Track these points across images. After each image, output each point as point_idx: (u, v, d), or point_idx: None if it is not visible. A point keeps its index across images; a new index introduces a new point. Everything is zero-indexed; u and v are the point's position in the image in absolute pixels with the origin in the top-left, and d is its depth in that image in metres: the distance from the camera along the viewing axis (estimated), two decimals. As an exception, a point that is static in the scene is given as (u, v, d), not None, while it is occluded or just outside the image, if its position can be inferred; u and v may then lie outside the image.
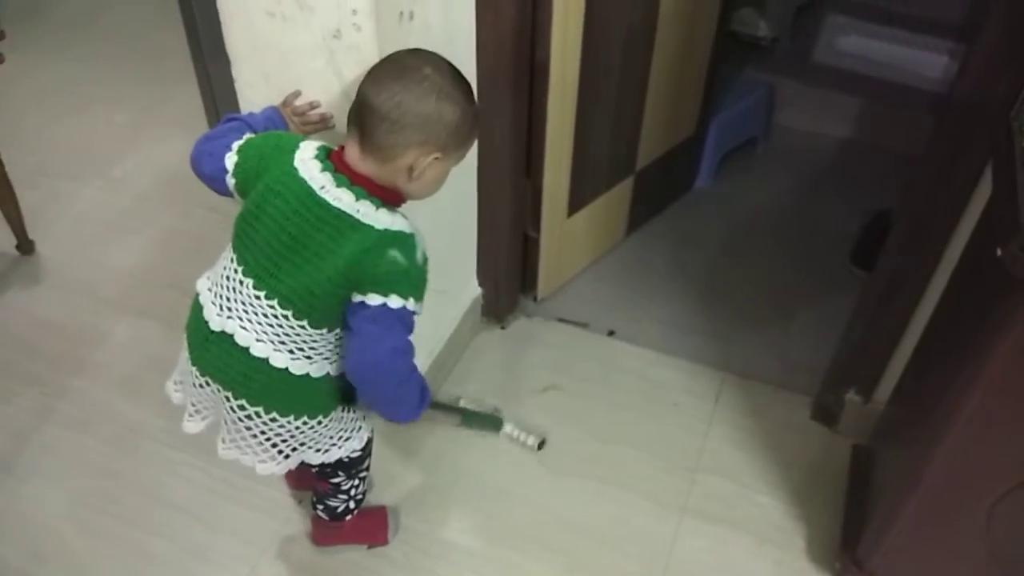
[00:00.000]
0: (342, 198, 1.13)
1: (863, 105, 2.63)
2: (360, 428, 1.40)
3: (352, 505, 1.53)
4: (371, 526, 1.60)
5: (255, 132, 1.28)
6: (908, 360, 1.60)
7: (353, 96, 1.34)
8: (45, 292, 2.18)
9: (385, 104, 1.09)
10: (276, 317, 1.17)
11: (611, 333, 2.05)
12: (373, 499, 1.66)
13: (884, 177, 2.51)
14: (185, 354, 1.29)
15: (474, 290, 1.97)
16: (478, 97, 1.65)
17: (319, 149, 1.17)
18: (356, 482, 1.50)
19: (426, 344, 1.81)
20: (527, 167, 1.85)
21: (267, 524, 1.65)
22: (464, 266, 1.92)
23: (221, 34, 1.41)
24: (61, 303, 2.14)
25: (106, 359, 2.00)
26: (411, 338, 1.21)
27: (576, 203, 2.02)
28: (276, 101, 1.38)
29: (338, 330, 1.22)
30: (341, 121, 1.39)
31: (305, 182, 1.14)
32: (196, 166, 1.26)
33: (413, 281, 1.17)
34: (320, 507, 1.53)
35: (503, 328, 2.05)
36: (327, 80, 1.35)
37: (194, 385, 1.28)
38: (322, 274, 1.14)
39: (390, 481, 1.71)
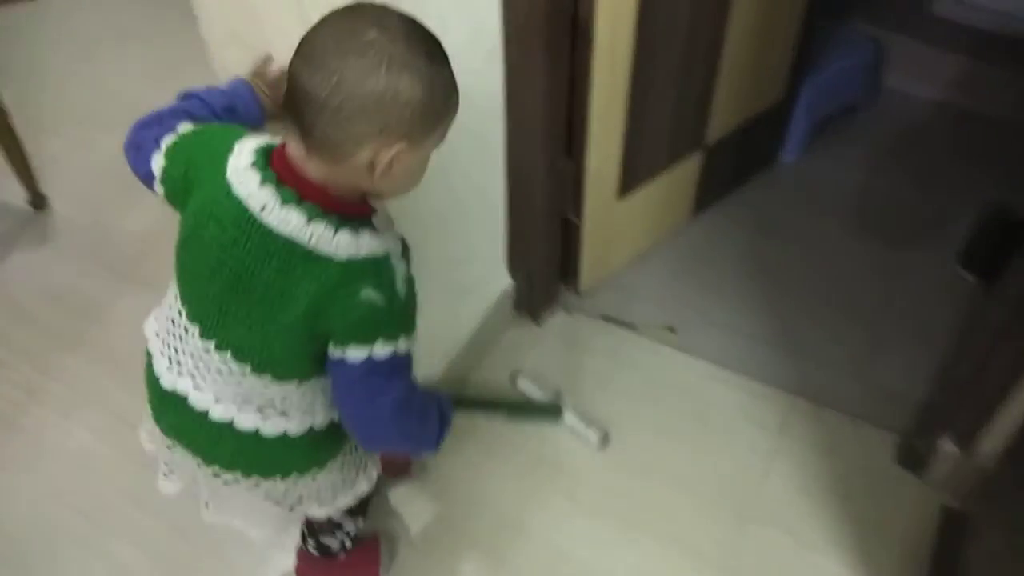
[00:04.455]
0: (290, 220, 0.86)
1: (992, 70, 2.19)
2: (367, 466, 1.17)
3: (348, 544, 1.32)
4: (362, 561, 1.39)
5: (214, 112, 1.03)
6: (1028, 416, 1.27)
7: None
8: (51, 255, 2.03)
9: (321, 87, 0.80)
10: (232, 373, 0.94)
11: (671, 329, 1.76)
12: (370, 524, 1.45)
13: (1011, 161, 2.09)
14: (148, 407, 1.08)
15: (504, 281, 1.71)
16: (505, 64, 1.38)
17: (257, 152, 0.89)
18: (359, 519, 1.29)
19: (440, 344, 1.57)
20: (568, 144, 1.56)
21: (249, 550, 1.46)
22: (491, 255, 1.65)
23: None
24: (66, 269, 1.98)
25: (104, 337, 1.84)
26: (412, 375, 0.97)
27: (628, 183, 1.72)
28: (249, 63, 1.14)
29: (313, 379, 0.98)
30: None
31: (241, 202, 0.87)
32: (127, 158, 1.01)
33: (399, 318, 0.92)
34: (311, 542, 1.32)
35: (538, 325, 1.78)
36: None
37: (165, 445, 1.08)
38: (277, 323, 0.90)
39: (393, 506, 1.50)
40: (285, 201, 0.86)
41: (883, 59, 2.25)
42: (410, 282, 0.94)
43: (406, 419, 0.98)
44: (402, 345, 0.92)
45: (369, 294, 0.88)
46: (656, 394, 1.65)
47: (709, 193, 1.98)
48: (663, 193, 1.84)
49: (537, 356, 1.73)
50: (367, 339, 0.89)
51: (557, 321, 1.79)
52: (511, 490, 1.52)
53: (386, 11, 0.83)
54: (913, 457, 1.51)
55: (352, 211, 0.89)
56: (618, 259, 1.87)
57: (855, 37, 2.18)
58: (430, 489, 1.53)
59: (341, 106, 0.80)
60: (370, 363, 0.90)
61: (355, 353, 0.90)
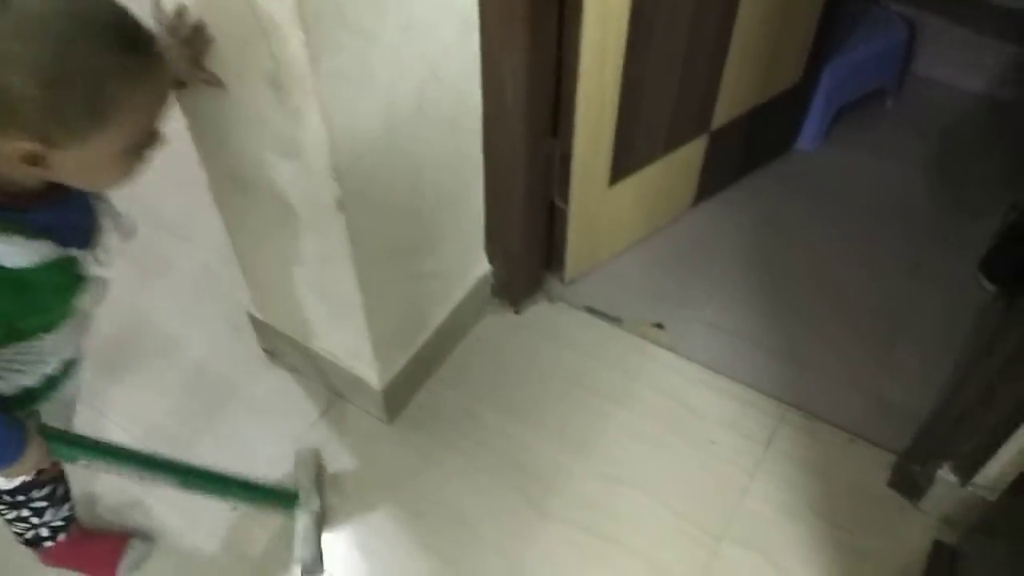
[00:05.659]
0: None
1: (1035, 57, 2.04)
2: None
3: (44, 532, 1.22)
4: (96, 557, 1.32)
5: None
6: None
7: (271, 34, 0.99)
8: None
9: None
10: None
11: (659, 326, 1.66)
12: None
13: (1048, 157, 1.94)
14: None
15: (482, 267, 1.61)
16: (482, 36, 1.26)
17: None
18: (27, 513, 1.18)
19: (409, 329, 1.48)
20: (553, 125, 1.44)
21: None
22: (468, 241, 1.54)
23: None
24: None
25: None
26: None
27: (622, 168, 1.60)
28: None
29: None
30: (251, 64, 1.04)
31: None
32: None
33: None
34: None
35: (517, 313, 1.68)
36: (237, 6, 0.98)
37: None
38: None
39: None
40: None
41: (915, 42, 2.09)
42: None
43: None
44: None
45: None
46: (636, 394, 1.55)
47: (713, 181, 1.85)
48: (661, 179, 1.71)
49: (510, 348, 1.62)
50: None
51: (538, 310, 1.69)
52: (471, 490, 1.43)
53: None
54: (908, 482, 1.39)
55: None
56: (609, 248, 1.75)
57: (885, 17, 2.02)
58: (371, 493, 1.45)
59: None
60: None
61: None
